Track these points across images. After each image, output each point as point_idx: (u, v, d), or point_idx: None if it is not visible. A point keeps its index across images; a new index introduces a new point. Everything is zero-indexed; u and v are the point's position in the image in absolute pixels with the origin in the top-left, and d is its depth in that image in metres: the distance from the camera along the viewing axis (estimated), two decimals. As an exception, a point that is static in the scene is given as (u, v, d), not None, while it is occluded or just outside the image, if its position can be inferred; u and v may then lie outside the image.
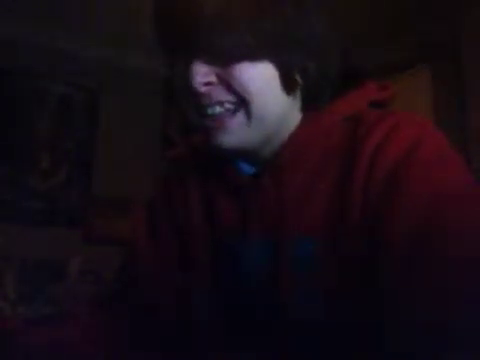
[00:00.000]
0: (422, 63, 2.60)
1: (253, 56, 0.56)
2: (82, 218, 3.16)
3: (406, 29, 2.66)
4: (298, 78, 0.59)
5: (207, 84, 0.57)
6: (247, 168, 0.65)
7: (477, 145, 2.28)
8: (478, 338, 0.45)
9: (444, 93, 2.50)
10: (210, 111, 0.58)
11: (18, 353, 0.63)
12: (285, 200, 0.60)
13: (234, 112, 0.58)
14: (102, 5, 2.79)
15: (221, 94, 0.58)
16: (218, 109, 0.58)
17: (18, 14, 2.90)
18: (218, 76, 0.57)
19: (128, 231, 0.78)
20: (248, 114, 0.58)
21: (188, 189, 0.70)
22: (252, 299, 0.61)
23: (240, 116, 0.58)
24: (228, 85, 0.57)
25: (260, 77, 0.57)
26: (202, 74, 0.57)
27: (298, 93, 0.61)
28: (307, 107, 0.63)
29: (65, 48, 3.14)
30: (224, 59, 0.56)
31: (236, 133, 0.59)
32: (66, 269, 2.85)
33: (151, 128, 3.40)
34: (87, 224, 3.16)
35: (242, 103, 0.58)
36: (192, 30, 0.56)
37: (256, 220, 0.61)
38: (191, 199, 0.69)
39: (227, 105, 0.58)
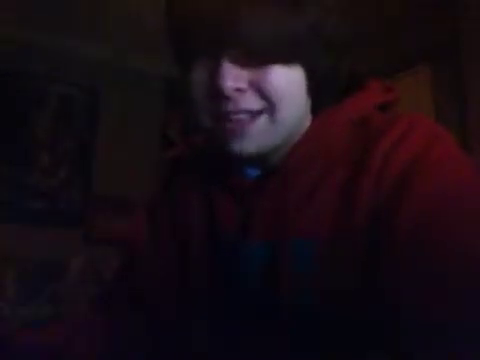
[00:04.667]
0: (422, 63, 2.60)
1: (288, 56, 0.54)
2: (82, 218, 3.16)
3: (406, 29, 2.65)
4: (321, 80, 0.58)
5: (237, 89, 0.54)
6: (251, 170, 0.64)
7: (477, 145, 2.28)
8: (478, 338, 0.45)
9: (444, 93, 2.50)
10: (233, 117, 0.55)
11: (17, 354, 0.63)
12: (288, 202, 0.60)
13: (256, 115, 0.56)
14: (102, 5, 2.79)
15: (249, 102, 0.55)
16: (242, 116, 0.55)
17: (18, 14, 2.90)
18: (249, 82, 0.54)
19: (128, 231, 0.78)
20: (272, 119, 0.56)
21: (188, 189, 0.70)
22: (252, 300, 0.61)
23: (262, 120, 0.56)
24: (259, 91, 0.54)
25: (293, 81, 0.55)
26: (234, 78, 0.53)
27: (320, 93, 0.60)
28: (316, 108, 0.62)
29: (65, 48, 3.14)
30: (259, 59, 0.53)
31: (256, 138, 0.56)
32: (66, 269, 2.85)
33: (151, 128, 3.40)
34: (87, 224, 3.16)
35: (268, 108, 0.55)
36: (226, 24, 0.51)
37: (258, 221, 0.61)
38: (191, 199, 0.69)
39: (253, 113, 0.55)
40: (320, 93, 0.60)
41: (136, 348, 0.70)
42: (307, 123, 0.62)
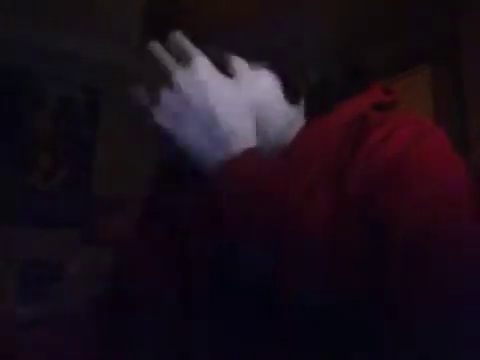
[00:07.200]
0: (422, 63, 2.60)
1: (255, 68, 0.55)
2: (82, 218, 3.16)
3: (406, 29, 2.66)
4: (300, 86, 0.58)
5: None
6: None
7: (477, 145, 2.28)
8: (478, 338, 0.45)
9: (444, 93, 2.51)
10: None
11: (17, 354, 0.63)
12: (288, 202, 0.60)
13: None
14: (102, 5, 2.80)
15: None
16: None
17: (18, 14, 2.90)
18: None
19: (128, 231, 0.78)
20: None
21: (188, 188, 0.70)
22: (252, 299, 0.61)
23: None
24: None
25: (262, 92, 0.56)
26: None
27: (302, 100, 0.60)
28: (312, 112, 0.62)
29: (65, 48, 3.14)
30: (224, 72, 0.54)
31: None
32: (66, 269, 2.85)
33: (151, 128, 3.40)
34: (87, 224, 3.16)
35: None
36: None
37: (257, 220, 0.61)
38: (192, 198, 0.69)
39: None
40: (312, 97, 0.60)
41: (135, 347, 0.70)
42: (298, 125, 0.62)
